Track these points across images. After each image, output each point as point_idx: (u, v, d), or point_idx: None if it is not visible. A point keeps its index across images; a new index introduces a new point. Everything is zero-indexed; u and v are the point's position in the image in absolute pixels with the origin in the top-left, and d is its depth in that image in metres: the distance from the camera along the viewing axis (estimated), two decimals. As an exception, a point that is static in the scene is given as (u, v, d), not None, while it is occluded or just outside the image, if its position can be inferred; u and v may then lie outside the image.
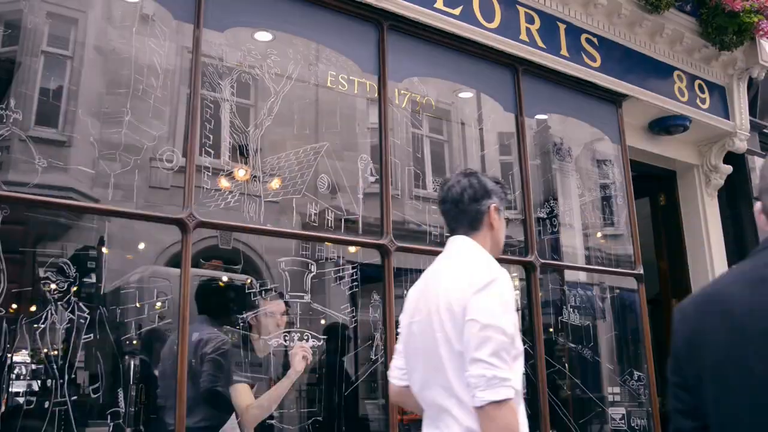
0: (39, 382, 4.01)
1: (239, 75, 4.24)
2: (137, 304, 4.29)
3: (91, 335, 3.87)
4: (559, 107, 5.06)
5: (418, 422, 5.15)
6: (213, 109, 4.11)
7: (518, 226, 4.67)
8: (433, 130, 5.42)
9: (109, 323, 3.91)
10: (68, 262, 3.96)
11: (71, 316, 3.80)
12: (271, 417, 4.19)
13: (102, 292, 4.06)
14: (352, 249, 4.51)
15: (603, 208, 5.51)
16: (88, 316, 3.80)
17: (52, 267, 3.91)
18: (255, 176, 4.19)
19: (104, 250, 4.28)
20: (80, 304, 3.84)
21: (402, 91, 4.64)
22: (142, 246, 4.69)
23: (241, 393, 3.40)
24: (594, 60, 4.95)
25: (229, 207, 4.06)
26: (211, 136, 4.11)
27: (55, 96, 4.17)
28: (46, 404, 3.88)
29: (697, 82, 5.67)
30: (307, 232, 4.22)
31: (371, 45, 4.13)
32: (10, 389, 4.05)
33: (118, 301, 4.10)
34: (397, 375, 2.24)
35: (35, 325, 3.85)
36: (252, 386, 3.58)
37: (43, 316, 3.76)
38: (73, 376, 3.96)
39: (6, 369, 3.99)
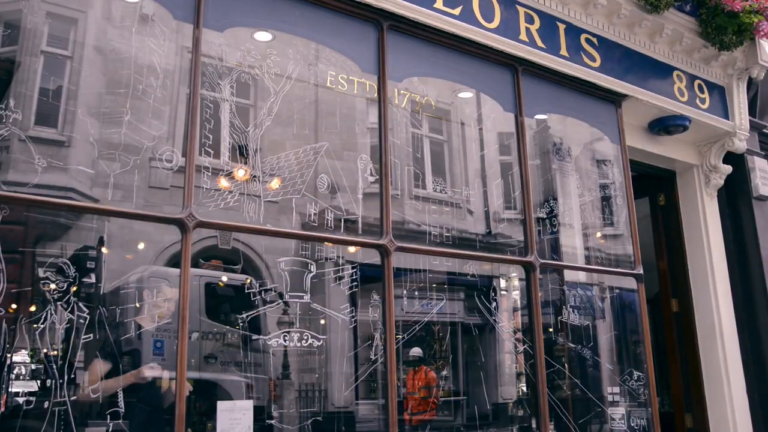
0: (39, 382, 4.02)
1: (239, 75, 4.24)
2: (137, 304, 4.29)
3: (91, 335, 3.88)
4: (559, 107, 5.05)
5: (425, 423, 5.16)
6: (213, 109, 4.11)
7: (518, 226, 4.67)
8: (432, 130, 5.42)
9: (109, 323, 3.92)
10: (68, 262, 3.96)
11: (71, 316, 3.80)
12: (270, 417, 4.19)
13: (102, 292, 4.07)
14: (351, 249, 4.51)
15: (603, 208, 5.51)
16: (88, 316, 3.80)
17: (51, 267, 3.91)
18: (255, 176, 4.19)
19: (104, 250, 4.28)
20: (80, 304, 3.84)
21: (402, 91, 4.64)
22: (141, 246, 4.69)
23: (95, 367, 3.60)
24: (594, 60, 4.95)
25: (229, 207, 4.06)
26: (211, 136, 4.11)
27: (54, 96, 4.17)
28: (46, 404, 3.88)
29: (697, 82, 5.67)
30: (306, 232, 4.22)
31: (371, 45, 4.13)
32: (10, 389, 4.05)
33: (117, 301, 4.10)
34: None
35: (35, 325, 3.85)
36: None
37: (43, 316, 3.76)
38: (72, 376, 3.96)
39: (6, 369, 4.00)
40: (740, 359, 5.69)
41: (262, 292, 4.35)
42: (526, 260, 4.38)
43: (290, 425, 4.33)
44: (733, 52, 5.63)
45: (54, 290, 3.86)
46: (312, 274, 4.12)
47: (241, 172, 4.18)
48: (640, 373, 5.01)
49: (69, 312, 3.80)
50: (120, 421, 3.57)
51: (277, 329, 4.09)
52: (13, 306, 3.95)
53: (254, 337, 4.33)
